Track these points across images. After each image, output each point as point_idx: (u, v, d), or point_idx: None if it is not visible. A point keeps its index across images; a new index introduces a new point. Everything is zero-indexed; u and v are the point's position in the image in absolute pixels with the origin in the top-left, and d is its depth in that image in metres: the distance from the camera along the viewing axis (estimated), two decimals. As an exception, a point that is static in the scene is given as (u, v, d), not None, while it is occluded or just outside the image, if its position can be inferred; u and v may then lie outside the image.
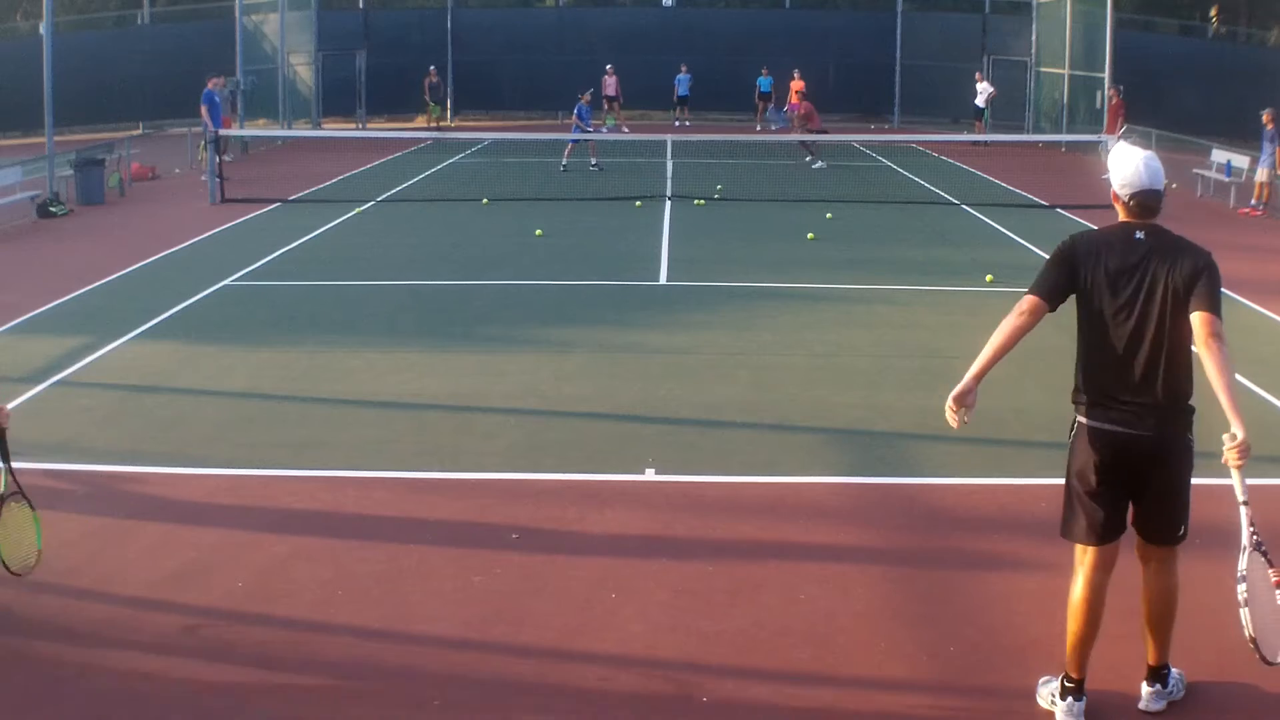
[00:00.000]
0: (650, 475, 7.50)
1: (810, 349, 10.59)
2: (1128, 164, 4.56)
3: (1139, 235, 4.54)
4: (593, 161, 24.08)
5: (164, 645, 5.37)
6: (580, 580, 6.08)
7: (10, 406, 8.72)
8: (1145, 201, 4.55)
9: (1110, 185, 4.64)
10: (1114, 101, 25.74)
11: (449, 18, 37.93)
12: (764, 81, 32.28)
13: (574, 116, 24.36)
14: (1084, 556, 4.77)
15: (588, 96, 24.79)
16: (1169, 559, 4.78)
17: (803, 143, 25.73)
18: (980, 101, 30.95)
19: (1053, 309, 4.68)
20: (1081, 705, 4.72)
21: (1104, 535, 4.69)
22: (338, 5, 39.67)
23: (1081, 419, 4.68)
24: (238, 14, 29.65)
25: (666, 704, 4.96)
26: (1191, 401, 4.62)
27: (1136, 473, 4.59)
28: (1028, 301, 4.68)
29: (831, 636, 5.51)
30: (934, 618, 5.71)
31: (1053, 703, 4.81)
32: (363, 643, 5.42)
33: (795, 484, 7.44)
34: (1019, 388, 9.49)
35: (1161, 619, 4.78)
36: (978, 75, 31.41)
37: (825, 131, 26.46)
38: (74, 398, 9.10)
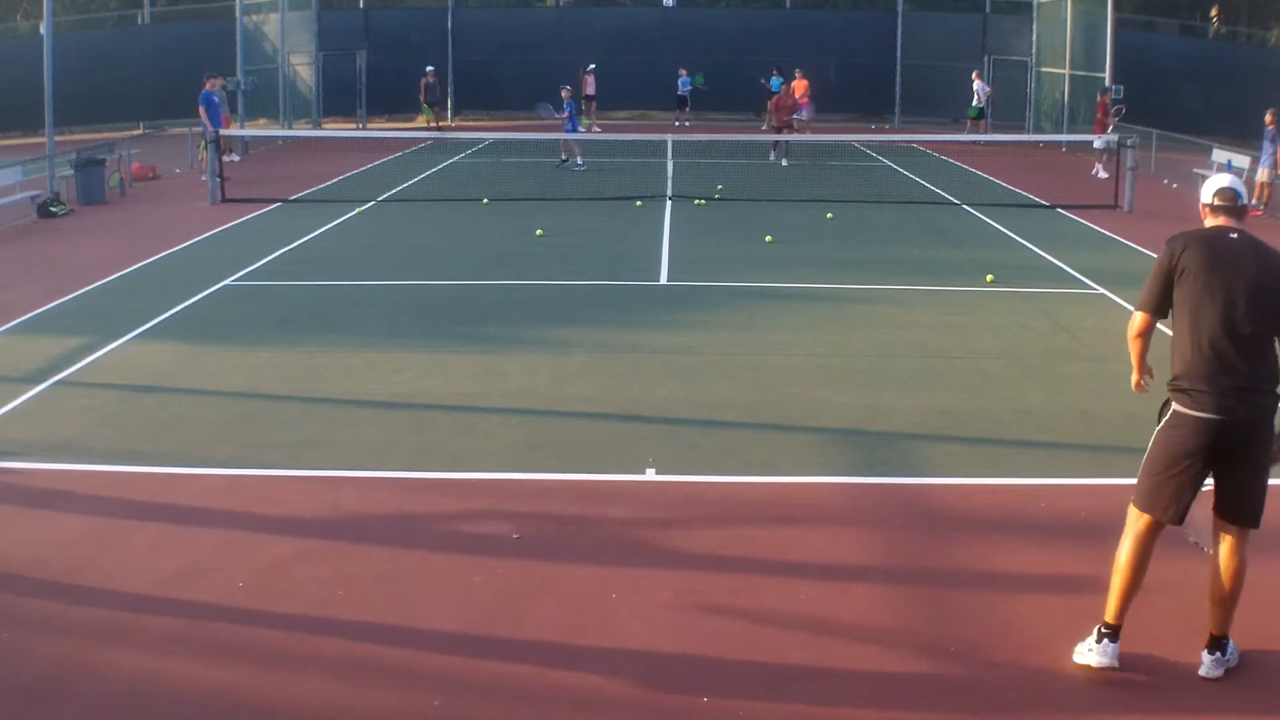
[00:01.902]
0: (650, 475, 7.50)
1: (810, 349, 10.59)
2: (1215, 177, 5.29)
3: (1233, 235, 5.06)
4: (575, 159, 24.14)
5: (164, 645, 5.37)
6: (580, 580, 6.08)
7: (10, 407, 8.79)
8: (1226, 198, 5.13)
9: (1200, 201, 5.24)
10: (1101, 101, 25.89)
11: (449, 18, 37.93)
12: (776, 82, 32.31)
13: (565, 113, 24.44)
14: (1139, 521, 5.14)
15: (568, 91, 24.79)
16: (1242, 540, 5.06)
17: (777, 141, 25.84)
18: (976, 101, 30.93)
19: (1163, 317, 5.12)
20: (1115, 648, 5.12)
21: (1165, 512, 5.05)
22: (338, 5, 39.67)
23: (1175, 405, 5.00)
24: (238, 14, 29.64)
25: (666, 704, 4.96)
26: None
27: (1223, 457, 4.93)
28: (1139, 320, 5.18)
29: (832, 637, 5.51)
30: (934, 618, 5.71)
31: (1089, 651, 5.19)
32: (363, 643, 5.42)
33: (795, 484, 7.44)
34: (1019, 388, 9.50)
35: (1228, 595, 5.06)
36: (975, 75, 31.38)
37: (792, 128, 26.44)
38: (74, 398, 9.10)
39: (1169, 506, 5.02)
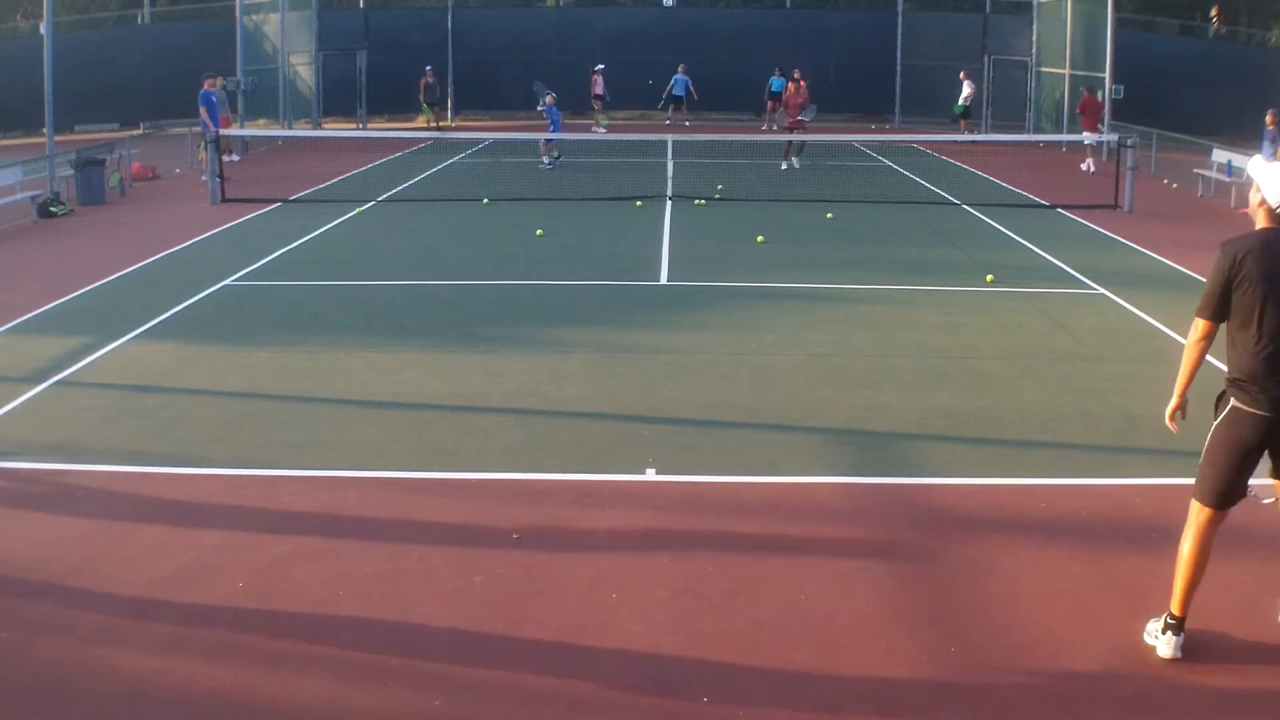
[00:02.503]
0: (650, 475, 7.50)
1: (810, 349, 10.59)
2: (1276, 169, 5.22)
3: None
4: (545, 160, 24.24)
5: (164, 645, 5.37)
6: (580, 580, 6.09)
7: (10, 407, 8.79)
8: None
9: (1260, 194, 5.25)
10: (1085, 98, 26.33)
11: (449, 18, 37.94)
12: (776, 82, 32.41)
13: (540, 108, 24.61)
14: (1201, 515, 5.29)
15: (552, 97, 24.84)
16: None
17: (790, 143, 25.34)
18: (961, 100, 30.99)
19: (1223, 322, 5.20)
20: (1180, 640, 5.29)
21: (1225, 502, 5.24)
22: (338, 5, 39.68)
23: (1234, 402, 5.17)
24: (238, 14, 29.63)
25: (666, 704, 4.96)
26: None
27: (1276, 449, 5.17)
28: (1201, 327, 5.23)
29: (832, 636, 5.51)
30: (934, 618, 5.71)
31: (1156, 638, 5.35)
32: (363, 643, 5.42)
33: (795, 484, 7.44)
34: (1019, 388, 9.50)
35: None
36: (962, 74, 31.41)
37: (803, 128, 25.96)
38: (74, 398, 9.10)
39: (1228, 495, 5.20)
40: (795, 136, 25.21)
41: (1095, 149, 25.56)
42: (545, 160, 24.26)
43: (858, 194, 20.77)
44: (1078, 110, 26.40)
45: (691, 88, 34.75)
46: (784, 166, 24.67)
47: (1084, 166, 25.29)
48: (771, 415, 8.71)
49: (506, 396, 9.09)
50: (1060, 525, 6.80)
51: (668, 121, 34.54)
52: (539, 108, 24.99)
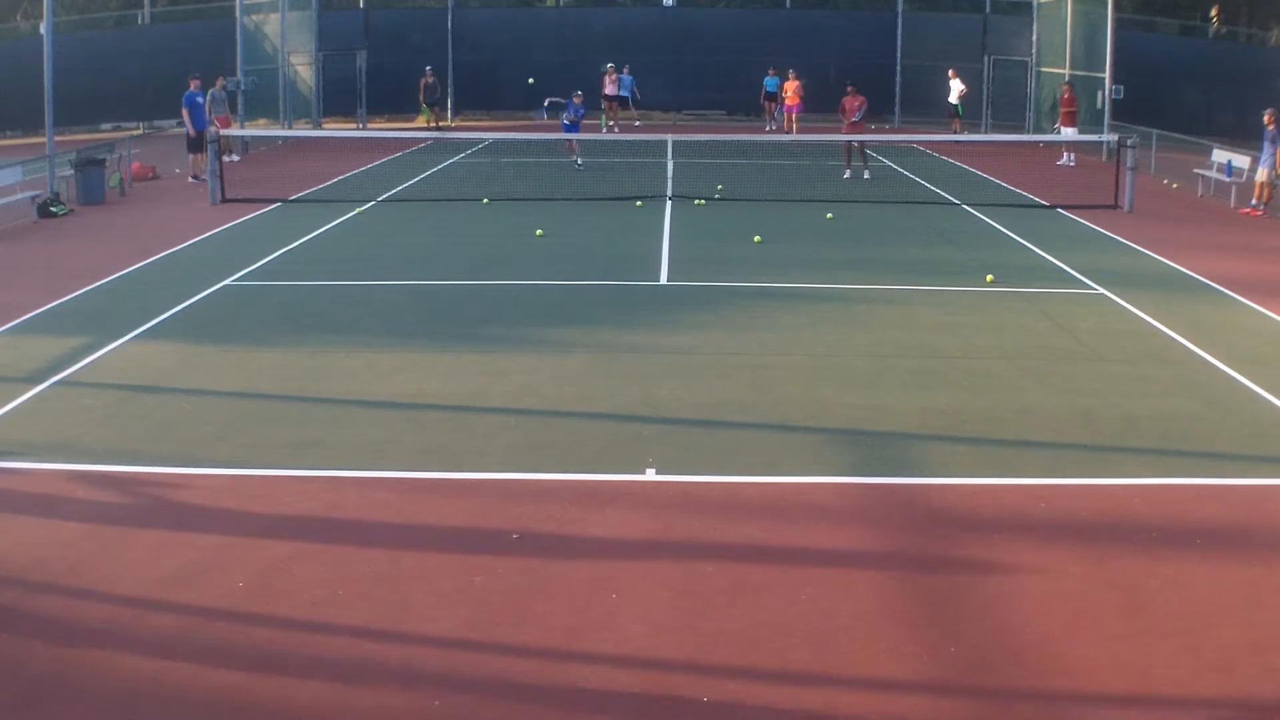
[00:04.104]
0: (650, 475, 7.50)
1: (810, 349, 10.59)
2: None
3: None
4: (576, 160, 24.23)
5: (164, 645, 5.37)
6: (580, 580, 6.09)
7: (10, 407, 8.79)
8: None
9: None
10: (1065, 96, 26.74)
11: (449, 18, 37.93)
12: (770, 82, 32.43)
13: (569, 115, 24.53)
14: None
15: (579, 97, 24.76)
16: None
17: (861, 148, 24.37)
18: (953, 98, 31.03)
19: None
20: None
21: None
22: (338, 5, 39.66)
23: None
24: (238, 14, 29.61)
25: (666, 704, 4.96)
26: None
27: None
28: None
29: (832, 637, 5.51)
30: (934, 618, 5.71)
31: None
32: (363, 643, 5.42)
33: (795, 484, 7.44)
34: (1019, 388, 9.50)
35: None
36: (951, 72, 31.42)
37: (863, 130, 25.24)
38: (74, 398, 9.10)
39: None
40: (859, 136, 24.79)
41: (1071, 145, 26.61)
42: (577, 161, 24.19)
43: (858, 194, 20.76)
44: (1065, 109, 26.69)
45: (635, 89, 34.24)
46: (865, 176, 23.63)
47: (1061, 161, 26.44)
48: (771, 415, 8.71)
49: (506, 396, 9.09)
50: (1060, 525, 6.80)
51: (612, 124, 33.59)
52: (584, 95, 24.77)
